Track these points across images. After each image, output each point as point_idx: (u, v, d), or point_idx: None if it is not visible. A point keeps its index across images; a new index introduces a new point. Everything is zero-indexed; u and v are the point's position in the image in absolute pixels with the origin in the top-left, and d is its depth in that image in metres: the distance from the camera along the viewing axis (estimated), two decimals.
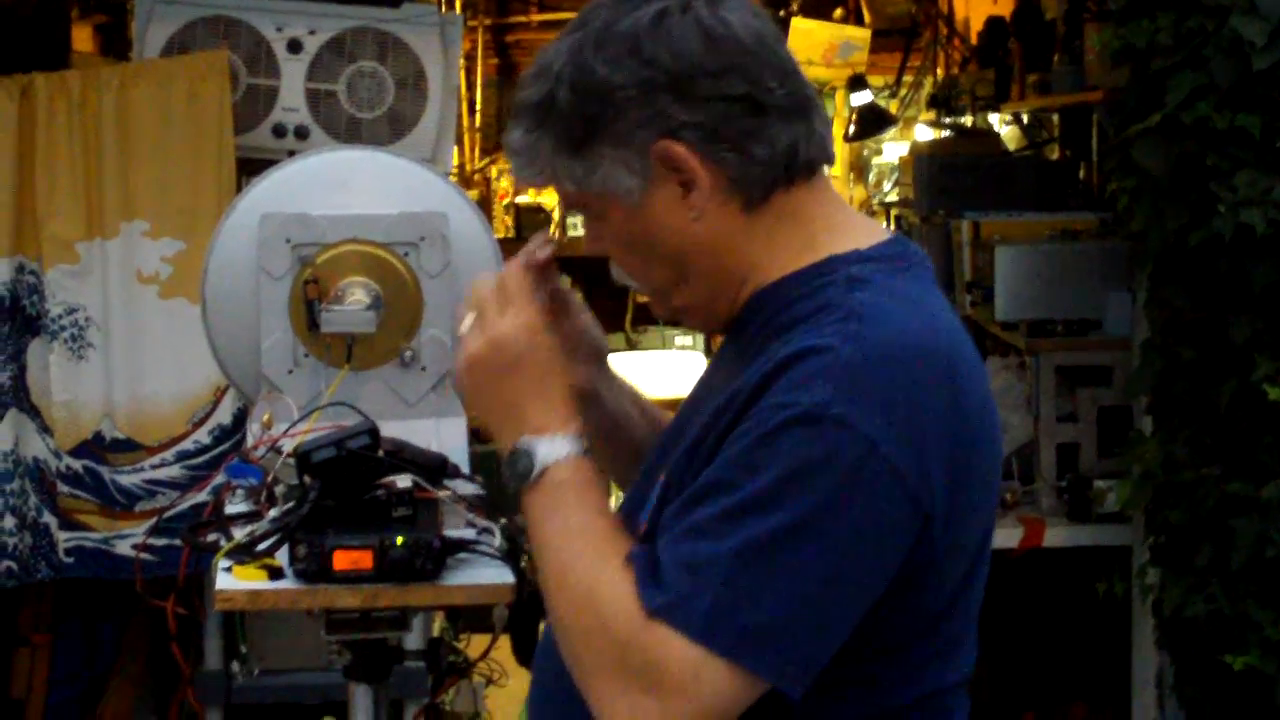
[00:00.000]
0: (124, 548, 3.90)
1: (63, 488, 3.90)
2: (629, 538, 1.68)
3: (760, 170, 1.68)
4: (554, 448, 1.70)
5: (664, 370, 7.07)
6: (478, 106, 8.23)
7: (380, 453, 2.11)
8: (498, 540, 2.14)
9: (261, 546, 2.07)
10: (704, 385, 1.84)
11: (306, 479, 2.07)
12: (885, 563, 1.59)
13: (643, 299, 7.53)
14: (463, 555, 2.10)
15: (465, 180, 7.61)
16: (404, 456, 2.14)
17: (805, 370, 1.56)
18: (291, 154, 3.49)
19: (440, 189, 2.60)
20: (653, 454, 1.86)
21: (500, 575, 2.10)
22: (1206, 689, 3.72)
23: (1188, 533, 3.67)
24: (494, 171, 7.81)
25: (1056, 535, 4.31)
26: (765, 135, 1.67)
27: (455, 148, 6.13)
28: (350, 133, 4.00)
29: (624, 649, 1.58)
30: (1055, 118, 6.08)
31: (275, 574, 2.04)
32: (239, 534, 2.14)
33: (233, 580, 2.04)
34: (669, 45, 1.65)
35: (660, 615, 1.56)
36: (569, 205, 1.77)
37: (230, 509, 2.27)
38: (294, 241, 2.45)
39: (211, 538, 2.19)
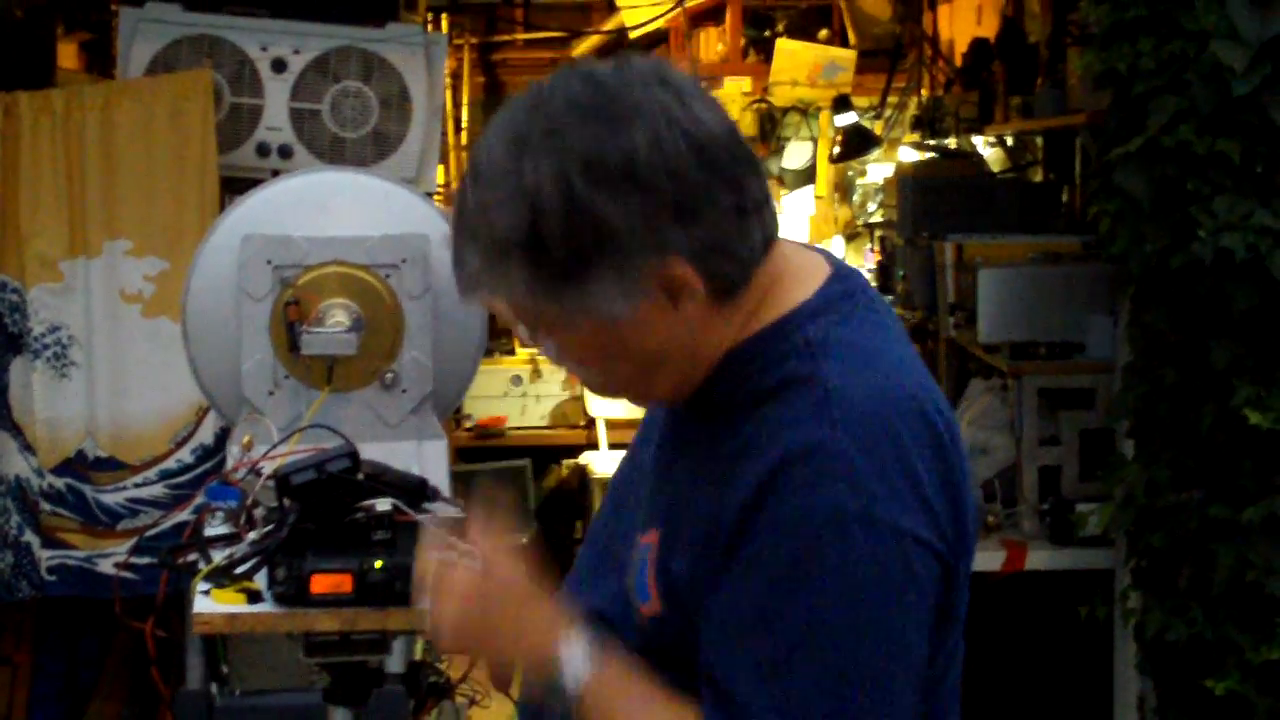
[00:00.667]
0: (107, 566, 3.90)
1: (45, 506, 3.89)
2: (681, 700, 1.69)
3: (745, 268, 1.66)
4: (574, 663, 1.69)
5: None
6: (464, 125, 8.22)
7: (360, 475, 2.10)
8: (478, 563, 2.13)
9: (240, 569, 2.07)
10: (671, 450, 1.80)
11: (286, 502, 2.07)
12: (931, 621, 1.66)
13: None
14: None
15: (450, 200, 7.60)
16: (384, 479, 2.14)
17: (808, 474, 1.58)
18: (275, 173, 3.50)
19: (421, 210, 2.60)
20: (612, 507, 1.88)
21: None
22: (1188, 713, 3.72)
23: (1169, 556, 3.68)
24: None
25: (1038, 558, 4.31)
26: (749, 235, 1.64)
27: (441, 167, 6.12)
28: (334, 152, 4.00)
29: None
30: (1039, 140, 6.09)
31: (254, 597, 2.04)
32: (218, 556, 2.13)
33: (211, 603, 2.03)
34: (666, 167, 1.57)
35: None
36: (528, 325, 1.68)
37: (210, 531, 2.27)
38: (275, 263, 2.45)
39: (190, 559, 2.18)
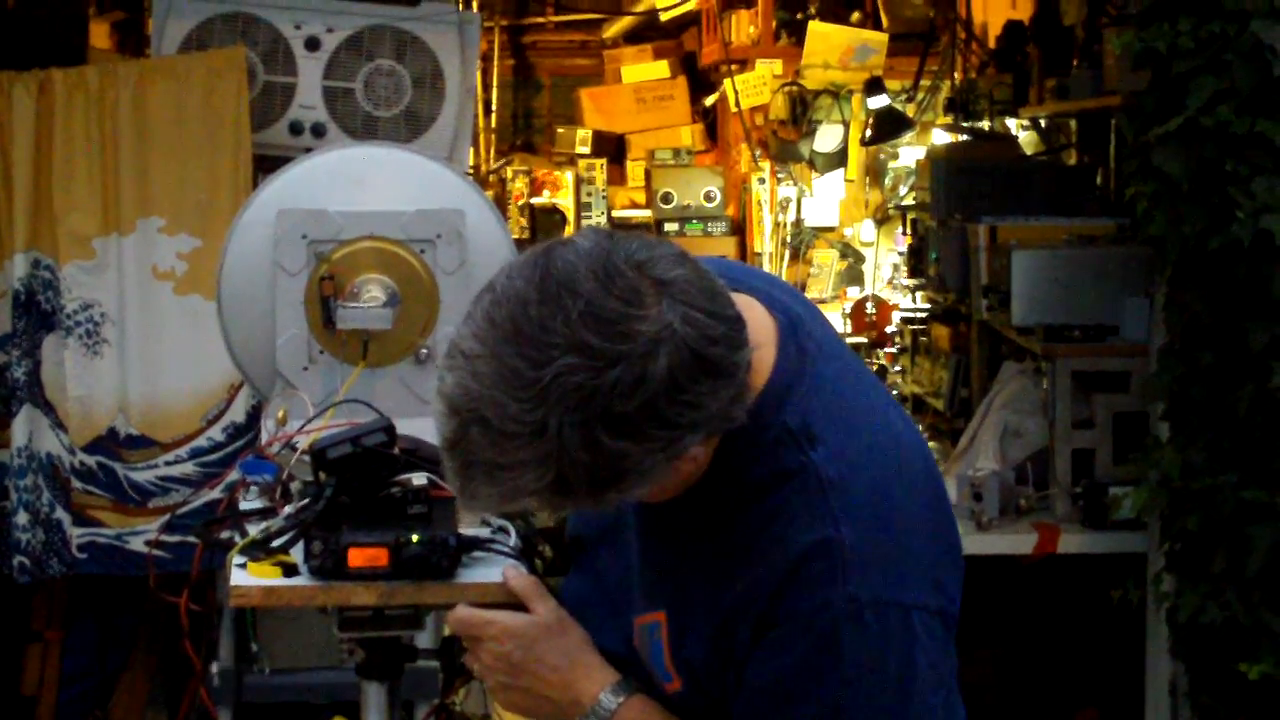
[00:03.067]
0: (137, 544, 3.91)
1: (76, 484, 3.90)
2: None
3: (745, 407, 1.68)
4: (599, 715, 1.82)
5: None
6: (493, 107, 8.23)
7: (396, 450, 2.09)
8: (513, 539, 2.12)
9: (276, 543, 2.06)
10: (661, 532, 1.83)
11: (321, 476, 2.06)
12: (950, 675, 1.77)
13: None
14: (478, 554, 2.09)
15: (480, 180, 7.61)
16: (419, 454, 2.13)
17: (820, 570, 1.67)
18: (308, 151, 3.49)
19: (456, 186, 2.59)
20: (612, 548, 1.91)
21: (512, 571, 2.08)
22: (1221, 697, 3.70)
23: (1203, 540, 3.66)
24: (509, 172, 7.81)
25: (1071, 541, 4.29)
26: (747, 388, 1.65)
27: (471, 148, 6.12)
28: (367, 131, 4.00)
29: None
30: (1073, 123, 6.06)
31: (290, 571, 2.03)
32: (253, 530, 2.12)
33: (247, 577, 2.02)
34: (682, 397, 1.57)
35: None
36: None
37: (244, 505, 2.26)
38: (310, 238, 2.44)
39: (226, 534, 2.17)
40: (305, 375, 2.46)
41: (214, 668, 4.04)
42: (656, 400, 1.56)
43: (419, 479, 2.10)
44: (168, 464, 3.91)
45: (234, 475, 2.37)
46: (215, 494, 2.88)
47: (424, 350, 2.49)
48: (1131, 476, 4.09)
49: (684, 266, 1.61)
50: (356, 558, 1.98)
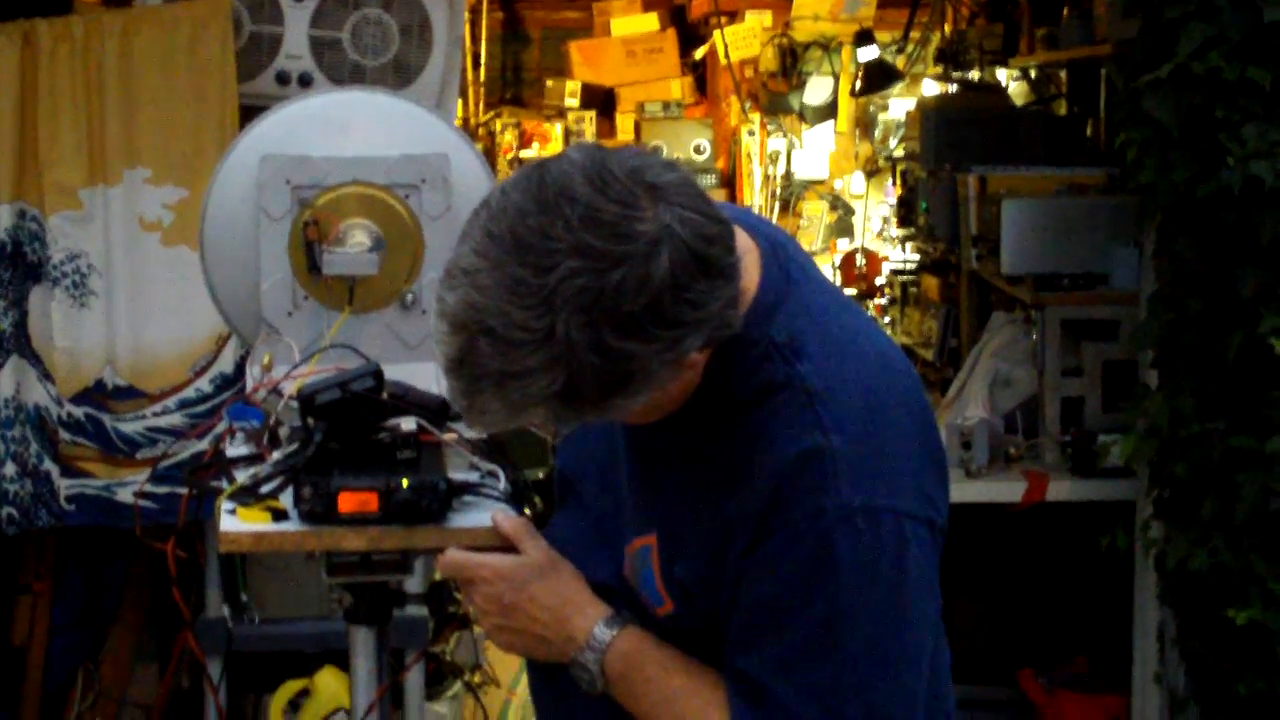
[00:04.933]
0: (125, 495, 3.89)
1: (64, 435, 3.89)
2: (705, 680, 1.81)
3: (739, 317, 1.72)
4: (594, 649, 1.84)
5: None
6: (482, 60, 8.19)
7: (384, 395, 2.09)
8: (502, 483, 2.12)
9: (265, 489, 2.05)
10: (651, 455, 1.85)
11: (310, 421, 2.05)
12: (937, 580, 1.80)
13: None
14: (468, 498, 2.09)
15: (469, 133, 7.57)
16: (407, 399, 2.13)
17: (811, 478, 1.69)
18: None
19: (440, 131, 2.57)
20: (599, 482, 1.94)
21: (504, 516, 2.07)
22: (1209, 643, 3.72)
23: (1192, 486, 3.67)
24: (498, 125, 7.78)
25: (1060, 489, 4.30)
26: (739, 296, 1.70)
27: (460, 100, 6.09)
28: (354, 81, 3.97)
29: None
30: (1063, 74, 6.04)
31: (279, 516, 2.03)
32: (241, 476, 2.12)
33: (237, 522, 2.02)
34: (683, 295, 1.61)
35: None
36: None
37: (231, 452, 2.25)
38: (294, 183, 2.43)
39: (214, 481, 2.17)
40: (290, 321, 2.44)
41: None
42: (660, 299, 1.59)
43: (408, 424, 2.10)
44: (155, 415, 3.90)
45: (221, 426, 2.36)
46: (203, 444, 2.84)
47: (409, 295, 2.48)
48: (1120, 424, 4.10)
49: (675, 172, 1.64)
50: (346, 502, 1.98)
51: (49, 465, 3.90)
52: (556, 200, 1.59)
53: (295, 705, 4.11)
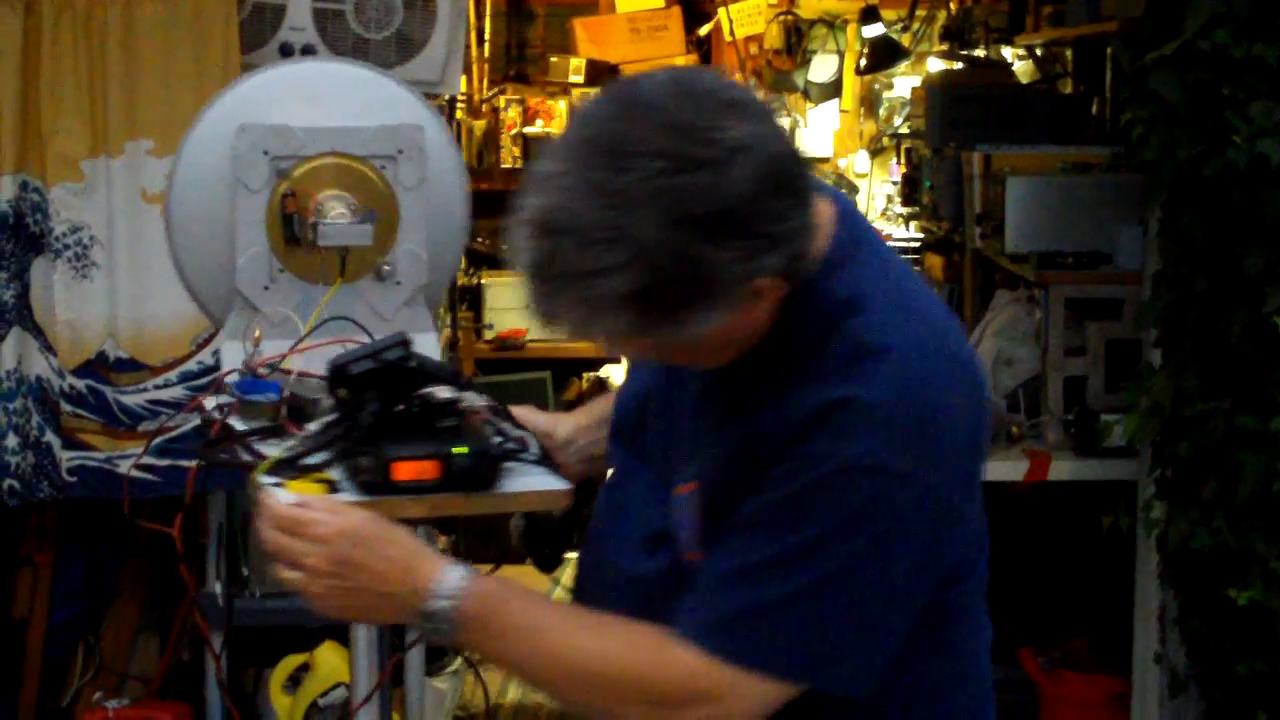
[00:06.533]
0: (127, 467, 3.89)
1: (66, 407, 3.88)
2: (587, 612, 1.83)
3: (811, 256, 1.74)
4: (446, 595, 1.77)
5: None
6: (487, 36, 8.16)
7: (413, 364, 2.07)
8: (533, 449, 2.12)
9: (309, 460, 2.01)
10: (710, 405, 1.86)
11: (342, 392, 2.04)
12: (933, 573, 1.78)
13: None
14: (508, 465, 2.07)
15: (473, 110, 7.56)
16: (431, 368, 2.11)
17: (841, 422, 1.69)
18: None
19: (410, 102, 2.54)
20: (666, 431, 1.93)
21: (553, 482, 2.08)
22: (1210, 623, 3.71)
23: (1194, 466, 3.66)
24: (502, 101, 7.76)
25: (1062, 468, 4.29)
26: (814, 229, 1.72)
27: (464, 76, 6.07)
28: (357, 53, 3.95)
29: (681, 694, 1.74)
30: (1068, 53, 6.02)
31: (331, 487, 2.00)
32: (270, 449, 2.08)
33: (289, 495, 1.97)
34: (760, 205, 1.63)
35: (732, 659, 1.72)
36: (608, 345, 1.74)
37: (242, 425, 2.21)
38: (272, 154, 2.38)
39: (225, 454, 2.14)
40: (266, 295, 2.39)
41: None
42: (738, 207, 1.61)
43: (443, 392, 2.08)
44: (157, 388, 3.89)
45: (212, 399, 2.32)
46: (197, 419, 2.80)
47: (386, 267, 2.44)
48: (1123, 404, 4.09)
49: (756, 94, 1.68)
50: (404, 471, 1.96)
51: (50, 437, 3.90)
52: (640, 109, 1.63)
53: (295, 680, 4.11)
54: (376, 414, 1.99)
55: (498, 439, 2.10)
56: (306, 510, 1.82)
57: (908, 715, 1.87)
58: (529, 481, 2.04)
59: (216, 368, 3.86)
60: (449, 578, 1.78)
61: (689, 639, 1.73)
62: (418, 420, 2.04)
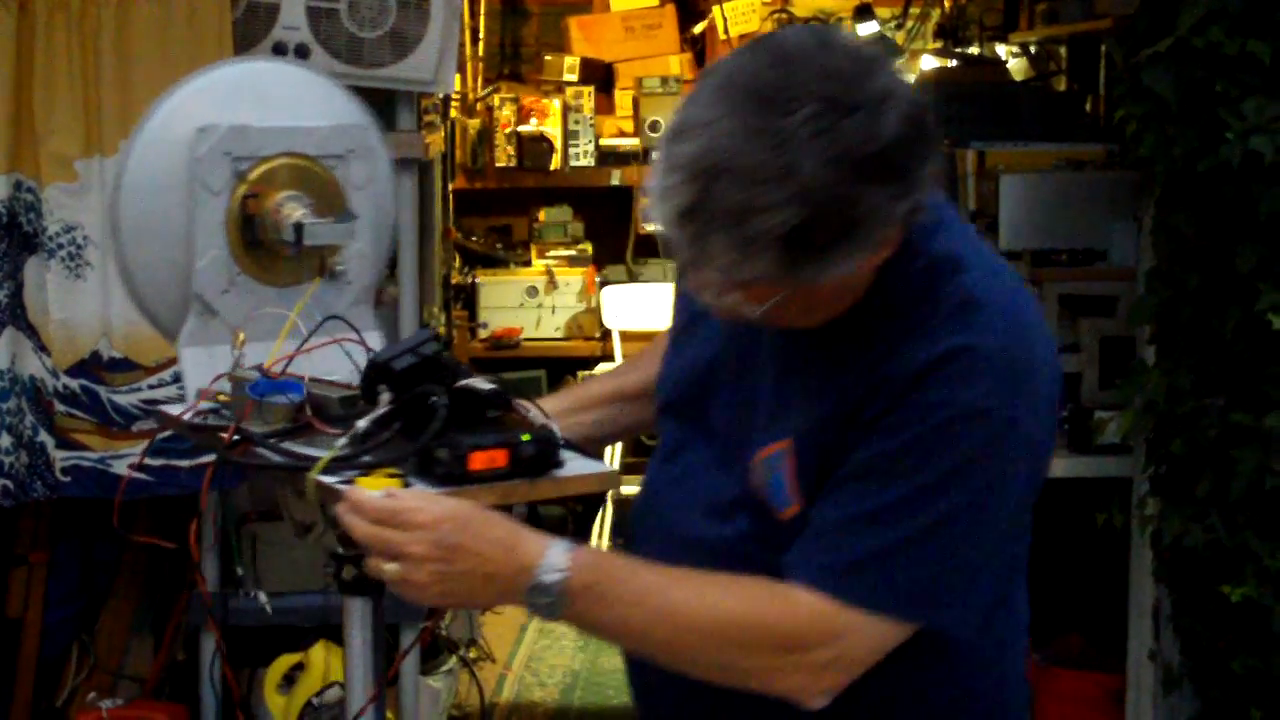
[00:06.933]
0: (121, 467, 3.89)
1: (60, 407, 3.88)
2: (692, 572, 1.85)
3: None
4: (555, 567, 1.81)
5: (665, 301, 7.04)
6: (481, 35, 8.15)
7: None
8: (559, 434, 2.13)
9: (371, 457, 2.00)
10: (795, 365, 1.89)
11: (380, 389, 2.03)
12: (1026, 520, 1.92)
13: (645, 230, 7.39)
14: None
15: (467, 108, 7.55)
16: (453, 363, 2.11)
17: (956, 369, 1.76)
18: None
19: (342, 100, 2.50)
20: (736, 404, 1.96)
21: (598, 465, 2.09)
22: (1204, 620, 3.72)
23: (1188, 463, 3.66)
24: (496, 100, 7.75)
25: (1056, 465, 4.25)
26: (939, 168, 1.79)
27: (458, 74, 6.07)
28: (351, 52, 3.96)
29: (803, 639, 1.81)
30: (1062, 50, 6.02)
31: (405, 480, 1.99)
32: (311, 449, 2.06)
33: (365, 491, 1.95)
34: (908, 150, 1.70)
35: (856, 601, 1.79)
36: (738, 292, 1.76)
37: (253, 426, 2.18)
38: (234, 154, 2.33)
39: (262, 456, 2.11)
40: (225, 299, 2.33)
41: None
42: (890, 148, 1.68)
43: (483, 384, 2.08)
44: (151, 387, 3.89)
45: (202, 404, 2.30)
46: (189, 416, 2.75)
47: (339, 267, 2.42)
48: (1117, 400, 4.09)
49: (887, 52, 1.77)
50: (478, 460, 1.97)
51: (44, 437, 3.89)
52: (791, 57, 1.69)
53: (290, 679, 4.11)
54: (448, 407, 1.99)
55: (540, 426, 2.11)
56: (404, 501, 1.84)
57: (985, 668, 1.96)
58: (577, 465, 2.06)
59: None
60: (554, 552, 1.82)
61: (810, 584, 1.79)
62: (471, 411, 2.05)
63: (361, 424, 2.03)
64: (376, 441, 2.01)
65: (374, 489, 1.90)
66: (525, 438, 2.00)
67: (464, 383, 2.05)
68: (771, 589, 1.81)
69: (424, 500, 1.85)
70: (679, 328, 2.16)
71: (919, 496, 1.77)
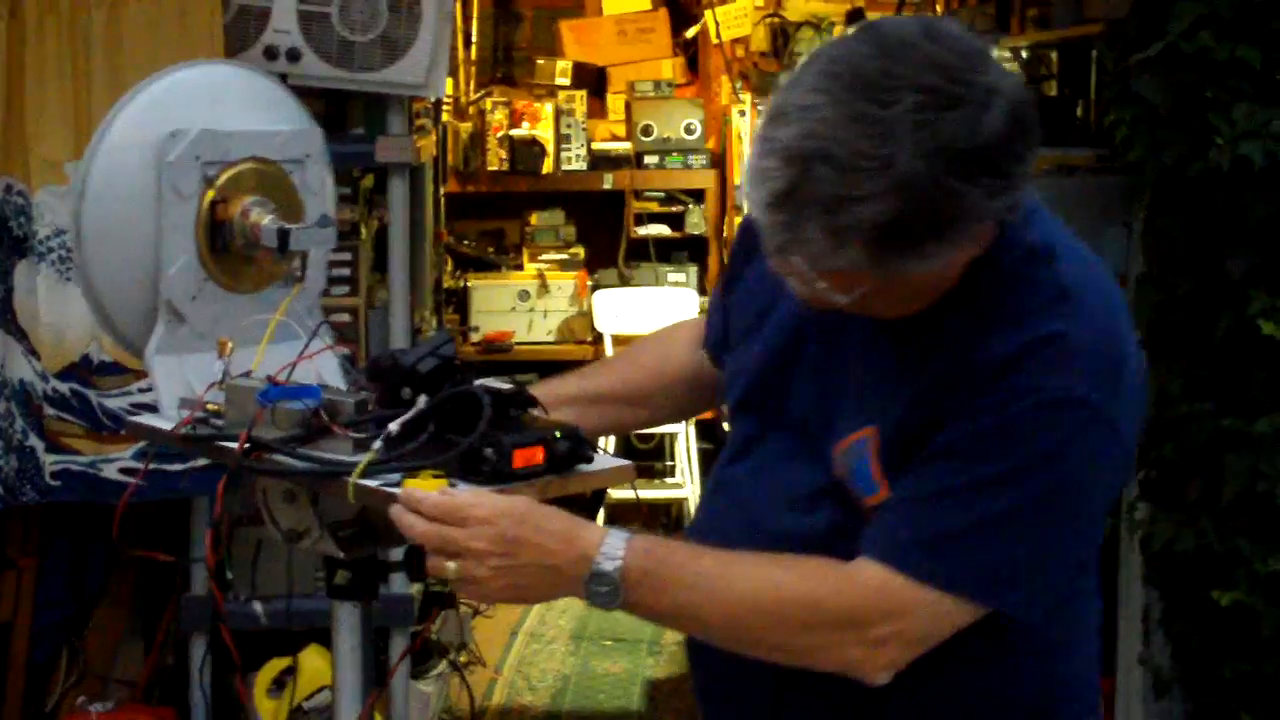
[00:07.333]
0: (111, 471, 3.89)
1: (50, 411, 3.87)
2: (750, 554, 1.85)
3: None
4: (612, 555, 1.82)
5: (657, 305, 7.05)
6: (473, 39, 8.15)
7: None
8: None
9: (411, 460, 2.00)
10: (881, 354, 1.87)
11: (407, 391, 2.04)
12: (1107, 510, 1.91)
13: (637, 234, 7.38)
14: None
15: (460, 112, 7.55)
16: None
17: (1047, 356, 1.76)
18: (284, 77, 3.44)
19: (290, 104, 2.48)
20: (817, 396, 1.94)
21: (617, 461, 2.11)
22: (1194, 624, 3.72)
23: (1179, 468, 3.67)
24: (488, 104, 7.75)
25: None
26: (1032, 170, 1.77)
27: (450, 78, 6.07)
28: (342, 56, 3.96)
29: (865, 614, 1.80)
30: (1053, 55, 6.03)
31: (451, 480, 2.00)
32: (343, 452, 2.05)
33: (416, 492, 1.95)
34: (1009, 148, 1.68)
35: (925, 577, 1.78)
36: (825, 281, 1.74)
37: (259, 433, 2.17)
38: (203, 159, 2.30)
39: (257, 463, 2.10)
40: (194, 306, 2.28)
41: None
42: (991, 145, 1.66)
43: (501, 383, 2.08)
44: (141, 391, 3.88)
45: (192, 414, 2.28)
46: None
47: (298, 272, 2.40)
48: None
49: (989, 44, 1.78)
50: (519, 458, 1.98)
51: (34, 441, 3.89)
52: (898, 47, 1.67)
53: (280, 683, 4.11)
54: (493, 407, 1.99)
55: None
56: (463, 497, 1.85)
57: (1050, 663, 1.95)
58: (602, 460, 2.07)
59: None
60: (611, 540, 1.82)
61: (879, 558, 1.79)
62: (497, 411, 2.06)
63: (394, 426, 2.02)
64: (414, 443, 2.01)
65: (427, 489, 1.90)
66: (558, 435, 2.02)
67: (484, 382, 2.06)
68: (832, 565, 1.81)
69: (481, 496, 1.86)
70: (744, 327, 2.10)
71: (999, 480, 1.76)
